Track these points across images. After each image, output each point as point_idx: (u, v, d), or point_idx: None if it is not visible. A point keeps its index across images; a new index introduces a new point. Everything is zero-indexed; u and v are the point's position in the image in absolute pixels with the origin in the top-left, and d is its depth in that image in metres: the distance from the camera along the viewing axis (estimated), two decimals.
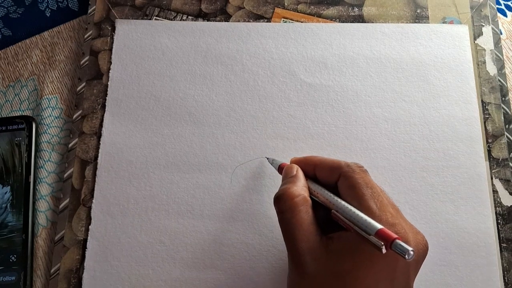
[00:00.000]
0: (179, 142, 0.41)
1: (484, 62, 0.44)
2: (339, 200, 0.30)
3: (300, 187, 0.32)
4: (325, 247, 0.29)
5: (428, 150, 0.40)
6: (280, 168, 0.37)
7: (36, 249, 0.39)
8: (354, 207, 0.29)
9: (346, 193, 0.31)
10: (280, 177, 0.37)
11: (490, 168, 0.40)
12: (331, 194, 0.31)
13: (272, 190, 0.39)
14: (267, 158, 0.40)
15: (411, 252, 0.24)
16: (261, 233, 0.38)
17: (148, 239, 0.38)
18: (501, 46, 0.44)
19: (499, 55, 0.44)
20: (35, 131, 0.42)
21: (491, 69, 0.43)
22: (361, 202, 0.29)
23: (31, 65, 0.45)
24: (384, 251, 0.26)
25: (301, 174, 0.34)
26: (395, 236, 0.25)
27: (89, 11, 0.46)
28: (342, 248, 0.28)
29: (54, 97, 0.44)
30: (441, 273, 0.37)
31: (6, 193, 0.40)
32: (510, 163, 0.41)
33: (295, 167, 0.34)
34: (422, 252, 0.29)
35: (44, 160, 0.42)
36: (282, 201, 0.31)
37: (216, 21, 0.45)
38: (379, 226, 0.27)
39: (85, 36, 0.45)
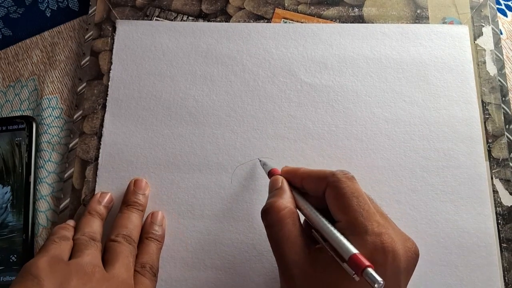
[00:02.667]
0: (180, 142, 0.41)
1: (484, 62, 0.44)
2: (320, 217, 0.30)
3: (286, 199, 0.32)
4: (313, 259, 0.29)
5: (428, 150, 0.40)
6: (270, 174, 0.36)
7: (36, 249, 0.39)
8: (340, 217, 0.29)
9: (332, 203, 0.30)
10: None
11: (490, 168, 0.40)
12: (313, 210, 0.31)
13: None
14: (260, 160, 0.40)
15: (381, 282, 0.24)
16: (261, 233, 0.38)
17: None
18: (501, 46, 0.44)
19: (499, 55, 0.44)
20: (35, 131, 0.42)
21: (491, 69, 0.43)
22: (347, 212, 0.29)
23: (32, 65, 0.45)
24: (357, 279, 0.26)
25: (286, 186, 0.33)
26: (366, 263, 0.25)
27: (89, 11, 0.46)
28: (329, 260, 0.28)
29: (54, 97, 0.44)
30: (441, 273, 0.37)
31: (6, 193, 0.40)
32: (510, 163, 0.41)
33: (280, 179, 0.34)
34: (411, 260, 0.29)
35: (45, 160, 0.42)
36: (269, 215, 0.31)
37: (217, 21, 0.45)
38: (353, 251, 0.26)
39: (86, 37, 0.45)
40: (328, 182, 0.31)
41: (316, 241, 0.30)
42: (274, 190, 0.33)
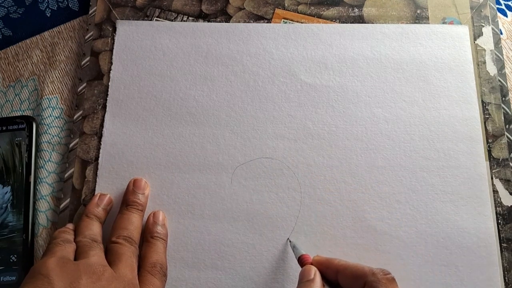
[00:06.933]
0: (180, 142, 0.41)
1: (484, 62, 0.44)
2: None
3: None
4: None
5: (428, 150, 0.40)
6: (300, 260, 0.35)
7: (36, 249, 0.39)
8: None
9: None
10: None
11: (491, 168, 0.40)
12: None
13: (273, 190, 0.39)
14: (290, 241, 0.38)
15: None
16: (261, 233, 0.38)
17: None
18: (501, 46, 0.44)
19: (499, 55, 0.44)
20: (35, 131, 0.42)
21: (491, 69, 0.43)
22: None
23: (32, 65, 0.45)
24: None
25: (318, 279, 0.32)
26: None
27: (89, 11, 0.46)
28: None
29: (54, 97, 0.44)
30: (441, 273, 0.37)
31: (6, 193, 0.40)
32: (510, 163, 0.41)
33: (313, 270, 0.32)
34: None
35: (45, 160, 0.42)
36: None
37: (217, 22, 0.45)
38: None
39: (86, 37, 0.45)
40: (367, 281, 0.30)
41: None
42: (305, 281, 0.32)
